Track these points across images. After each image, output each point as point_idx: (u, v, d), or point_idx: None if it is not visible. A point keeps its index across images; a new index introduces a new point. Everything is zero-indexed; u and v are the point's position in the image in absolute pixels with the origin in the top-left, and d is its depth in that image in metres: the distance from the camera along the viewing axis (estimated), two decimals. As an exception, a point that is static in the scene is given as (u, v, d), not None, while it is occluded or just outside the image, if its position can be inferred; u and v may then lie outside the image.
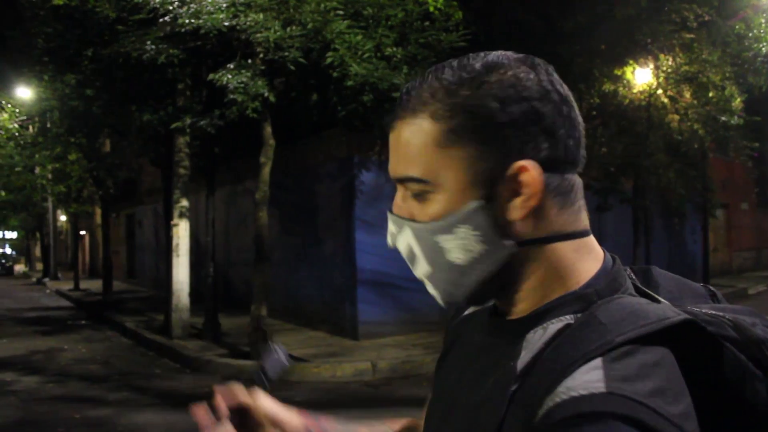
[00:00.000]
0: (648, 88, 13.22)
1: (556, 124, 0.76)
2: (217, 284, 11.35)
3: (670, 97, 13.61)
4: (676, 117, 13.82)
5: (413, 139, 0.78)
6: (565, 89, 0.79)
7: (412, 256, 0.82)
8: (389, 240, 0.85)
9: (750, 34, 13.40)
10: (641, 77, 13.04)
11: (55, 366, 9.56)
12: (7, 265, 43.73)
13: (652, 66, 13.04)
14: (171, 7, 7.95)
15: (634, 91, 13.21)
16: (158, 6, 7.99)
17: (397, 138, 0.81)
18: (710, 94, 13.46)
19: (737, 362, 0.72)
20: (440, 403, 0.89)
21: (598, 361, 0.66)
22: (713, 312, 0.78)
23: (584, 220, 0.83)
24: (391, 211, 0.84)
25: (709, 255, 17.95)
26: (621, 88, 13.00)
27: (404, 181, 0.80)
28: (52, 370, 9.26)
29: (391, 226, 0.84)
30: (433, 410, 0.91)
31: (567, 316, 0.75)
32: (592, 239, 0.83)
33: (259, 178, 8.76)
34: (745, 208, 23.88)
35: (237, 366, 8.76)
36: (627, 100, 13.14)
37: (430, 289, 0.84)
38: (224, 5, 7.79)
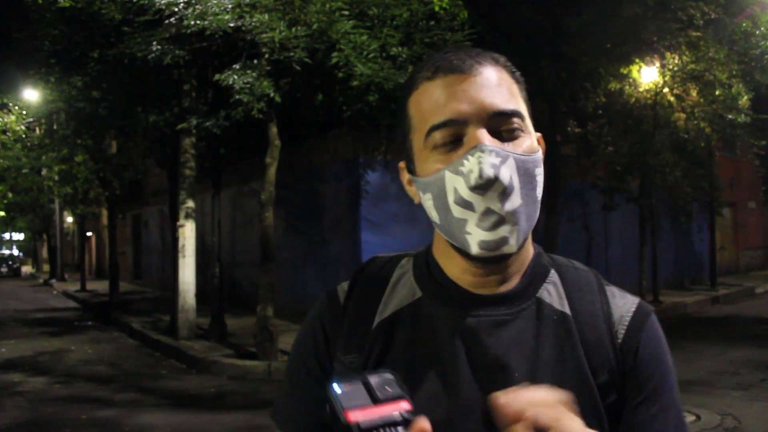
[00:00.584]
0: (654, 87, 13.18)
1: None
2: (223, 285, 11.36)
3: (677, 96, 13.57)
4: (683, 115, 13.78)
5: (506, 83, 0.88)
6: None
7: (511, 188, 0.83)
8: (490, 172, 0.82)
9: (757, 32, 13.37)
10: (647, 76, 13.00)
11: (62, 367, 9.58)
12: (14, 266, 43.85)
13: (658, 64, 13.00)
14: (176, 9, 7.95)
15: (641, 89, 13.17)
16: (164, 7, 8.00)
17: (486, 78, 0.86)
18: (717, 93, 13.42)
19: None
20: (455, 395, 0.87)
21: (613, 288, 0.97)
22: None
23: None
24: (486, 144, 0.83)
25: (716, 254, 17.87)
26: (627, 87, 12.97)
27: (512, 114, 0.86)
28: (59, 370, 9.28)
29: (493, 158, 0.82)
30: (452, 408, 0.87)
31: (552, 270, 0.96)
32: None
33: (264, 178, 8.76)
34: (752, 206, 23.77)
35: (243, 366, 8.76)
36: (633, 99, 13.11)
37: (506, 229, 0.84)
38: (229, 6, 7.79)
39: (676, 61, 13.18)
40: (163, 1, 7.97)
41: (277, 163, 8.80)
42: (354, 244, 10.93)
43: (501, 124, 0.85)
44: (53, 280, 29.48)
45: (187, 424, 6.50)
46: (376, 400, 0.73)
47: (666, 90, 13.43)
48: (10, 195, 26.60)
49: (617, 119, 13.33)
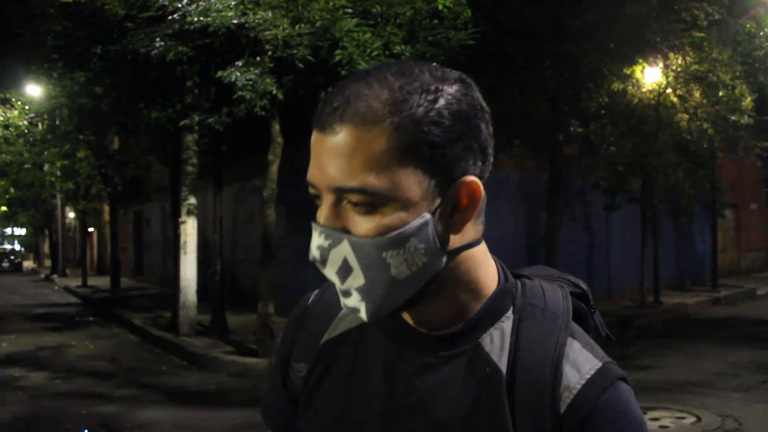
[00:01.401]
0: (657, 87, 13.16)
1: (488, 141, 0.81)
2: (224, 282, 11.37)
3: (680, 97, 13.55)
4: (686, 116, 13.76)
5: (367, 147, 0.74)
6: (488, 110, 0.83)
7: (347, 270, 0.77)
8: (316, 254, 0.78)
9: (761, 33, 13.35)
10: (650, 76, 12.98)
11: (63, 362, 9.60)
12: (16, 261, 43.89)
13: (661, 65, 12.98)
14: (180, 5, 7.95)
15: (643, 90, 13.15)
16: (167, 3, 8.00)
17: (338, 142, 0.75)
18: (720, 94, 13.40)
19: (581, 308, 0.91)
20: (359, 430, 0.86)
21: (576, 343, 0.82)
22: (552, 276, 0.95)
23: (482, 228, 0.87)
24: (318, 223, 0.78)
25: (718, 255, 17.87)
26: (630, 87, 12.94)
27: (354, 191, 0.75)
28: (60, 366, 9.30)
29: (321, 240, 0.77)
30: None
31: (508, 314, 0.84)
32: None
33: (266, 175, 8.76)
34: (754, 208, 23.75)
35: (244, 363, 8.77)
36: (636, 99, 13.09)
37: (355, 302, 0.79)
38: (233, 3, 7.78)
39: (680, 62, 13.16)
40: (166, -2, 7.98)
41: (279, 160, 8.80)
42: (355, 242, 10.93)
43: (346, 197, 0.76)
44: (54, 276, 29.51)
45: (187, 420, 6.51)
46: None
47: (669, 90, 13.41)
48: (12, 190, 26.60)
49: (620, 119, 13.32)
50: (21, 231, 59.94)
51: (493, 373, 0.81)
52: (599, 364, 0.80)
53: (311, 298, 0.99)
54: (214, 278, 11.18)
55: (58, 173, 20.88)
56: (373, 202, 0.75)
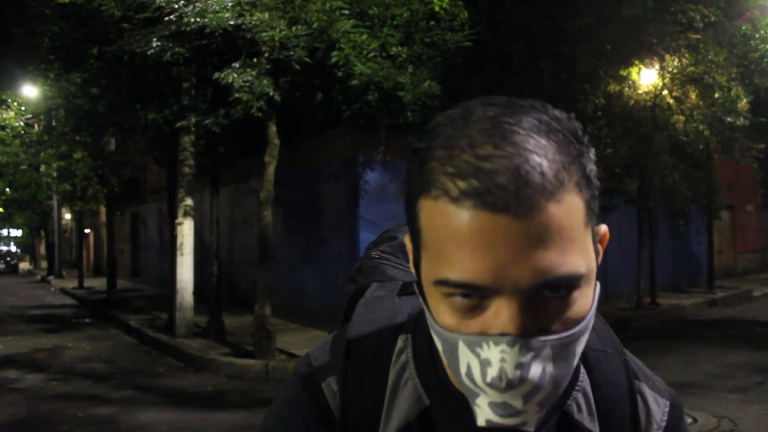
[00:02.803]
0: (653, 89, 13.18)
1: None
2: (221, 283, 11.35)
3: (676, 98, 13.57)
4: (682, 118, 13.78)
5: (568, 222, 0.59)
6: None
7: (541, 385, 0.61)
8: (514, 375, 0.60)
9: (756, 35, 13.38)
10: (647, 78, 13.00)
11: (59, 364, 9.57)
12: (12, 263, 43.84)
13: (657, 67, 13.00)
14: (176, 6, 7.95)
15: (640, 91, 13.17)
16: (164, 5, 8.00)
17: (540, 225, 0.58)
18: (716, 95, 13.42)
19: None
20: None
21: (644, 387, 0.81)
22: None
23: None
24: (508, 334, 0.60)
25: (714, 256, 17.88)
26: (626, 89, 12.96)
27: (564, 280, 0.59)
28: (56, 368, 9.27)
29: (522, 356, 0.60)
30: None
31: (581, 369, 0.77)
32: None
33: (263, 177, 8.75)
34: (750, 209, 23.79)
35: (241, 365, 8.75)
36: (632, 101, 13.11)
37: (524, 417, 0.62)
38: (230, 4, 7.79)
39: (676, 64, 13.18)
40: (163, -1, 7.98)
41: (275, 161, 8.80)
42: (352, 244, 10.92)
43: (547, 289, 0.60)
44: (51, 277, 29.45)
45: (184, 422, 6.50)
46: None
47: (665, 92, 13.43)
48: (8, 191, 26.60)
49: (616, 121, 13.33)
50: (17, 232, 59.82)
51: None
52: (668, 404, 0.81)
53: (328, 401, 0.78)
54: (210, 280, 11.16)
55: (55, 174, 20.85)
56: (580, 284, 0.61)
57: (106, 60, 9.65)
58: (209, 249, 11.56)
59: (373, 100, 8.30)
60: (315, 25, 7.84)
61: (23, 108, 19.60)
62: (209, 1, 7.78)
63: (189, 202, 11.01)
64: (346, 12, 7.99)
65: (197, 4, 7.81)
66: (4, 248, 57.77)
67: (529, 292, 0.59)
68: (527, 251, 0.57)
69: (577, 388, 0.74)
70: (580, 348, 0.63)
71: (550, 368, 0.61)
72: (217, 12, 7.69)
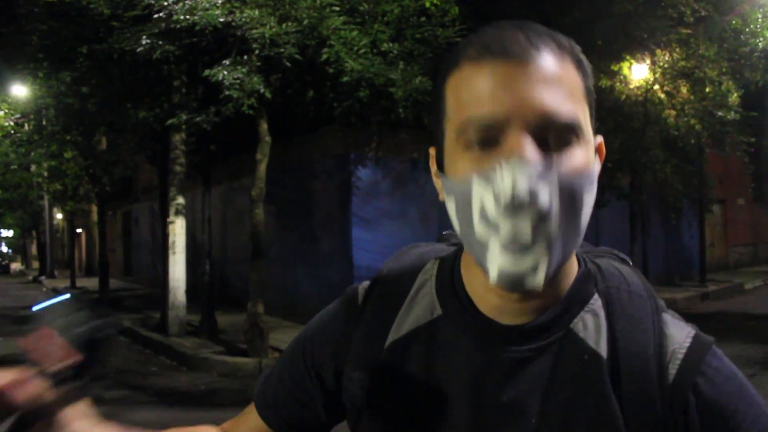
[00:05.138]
0: (645, 84, 13.21)
1: None
2: (213, 281, 11.33)
3: (667, 93, 13.61)
4: (673, 112, 13.83)
5: (567, 77, 0.72)
6: None
7: (548, 213, 0.68)
8: (525, 191, 0.67)
9: (747, 30, 13.41)
10: (638, 73, 13.03)
11: (52, 364, 9.52)
12: (4, 263, 43.59)
13: (648, 61, 13.04)
14: (166, 3, 7.90)
15: (631, 86, 13.20)
16: (153, 2, 7.95)
17: (542, 69, 0.70)
18: (707, 90, 13.47)
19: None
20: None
21: (669, 317, 0.80)
22: (611, 253, 0.92)
23: None
24: (520, 158, 0.68)
25: (706, 250, 17.97)
26: (618, 84, 12.99)
27: (564, 119, 0.70)
28: (49, 368, 9.22)
29: (532, 175, 0.67)
30: None
31: (595, 297, 0.80)
32: None
33: (255, 175, 8.73)
34: (741, 203, 23.92)
35: (233, 363, 8.74)
36: (624, 96, 13.14)
37: (532, 260, 0.70)
38: (219, 1, 7.75)
39: (667, 58, 13.22)
40: (152, -4, 7.93)
41: (267, 159, 8.78)
42: (345, 241, 10.91)
43: (550, 131, 0.70)
44: (43, 277, 29.33)
45: (177, 421, 6.44)
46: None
47: (656, 87, 13.47)
48: (-2, 191, 26.45)
49: (608, 116, 13.35)
50: (8, 233, 59.52)
51: (593, 360, 0.76)
52: (693, 332, 0.79)
53: (361, 293, 0.91)
54: (203, 278, 11.13)
55: (45, 174, 20.75)
56: (575, 136, 0.71)
57: (96, 58, 9.59)
58: (201, 247, 11.54)
59: (364, 97, 8.29)
60: (305, 22, 7.81)
61: (12, 108, 19.47)
62: (199, -1, 7.74)
63: (181, 200, 10.97)
64: (337, 9, 7.96)
65: (187, 2, 7.77)
66: (-4, 249, 57.57)
67: (537, 127, 0.69)
68: (535, 91, 0.69)
69: (586, 309, 0.79)
70: (583, 212, 0.72)
71: (556, 201, 0.69)
72: (207, 9, 7.65)
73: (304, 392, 0.92)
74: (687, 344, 0.77)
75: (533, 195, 0.67)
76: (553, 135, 0.70)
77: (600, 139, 0.78)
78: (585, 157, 0.72)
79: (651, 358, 0.75)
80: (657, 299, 0.81)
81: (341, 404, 0.90)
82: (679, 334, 0.78)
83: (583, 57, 0.76)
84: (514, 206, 0.67)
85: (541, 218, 0.68)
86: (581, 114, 0.72)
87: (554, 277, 0.74)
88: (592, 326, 0.78)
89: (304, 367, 0.92)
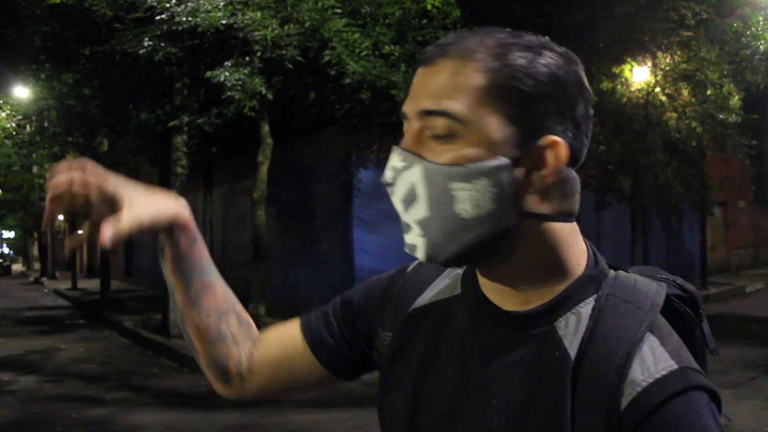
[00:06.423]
0: (646, 86, 13.22)
1: (583, 120, 0.81)
2: (215, 283, 11.31)
3: (668, 95, 13.61)
4: (674, 115, 13.83)
5: (460, 78, 0.76)
6: (593, 96, 0.83)
7: (412, 197, 0.78)
8: (388, 175, 0.79)
9: (748, 32, 13.42)
10: (639, 75, 13.04)
11: (53, 365, 9.54)
12: (5, 264, 43.57)
13: (650, 64, 13.04)
14: (168, 5, 7.93)
15: (632, 89, 13.21)
16: (155, 4, 7.98)
17: (435, 72, 0.78)
18: (708, 92, 13.47)
19: (687, 313, 0.86)
20: (431, 402, 0.85)
21: (654, 340, 0.75)
22: (658, 276, 0.93)
23: (577, 209, 0.86)
24: (401, 149, 0.79)
25: (707, 253, 17.95)
26: (619, 86, 13.00)
27: (436, 114, 0.76)
28: (50, 369, 9.24)
29: (397, 161, 0.78)
30: (416, 410, 0.86)
31: (590, 299, 0.80)
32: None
33: (256, 176, 8.74)
34: (742, 206, 23.89)
35: (235, 365, 8.73)
36: (625, 98, 13.14)
37: (414, 237, 0.79)
38: (221, 3, 7.77)
39: (668, 61, 13.22)
40: (154, -2, 7.96)
41: (269, 161, 8.79)
42: (346, 243, 10.92)
43: (429, 126, 0.77)
44: (44, 279, 29.34)
45: (178, 422, 6.49)
46: None
47: (658, 89, 13.47)
48: (0, 193, 26.46)
49: (609, 118, 13.36)
50: (10, 234, 59.56)
51: (561, 359, 0.76)
52: (675, 367, 0.72)
53: (410, 268, 1.00)
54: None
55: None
56: (453, 130, 0.75)
57: (98, 60, 9.62)
58: (203, 249, 11.54)
59: (366, 99, 8.30)
60: (307, 24, 7.83)
61: (14, 109, 19.50)
62: (201, 1, 7.76)
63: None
64: (339, 11, 7.98)
65: (189, 4, 7.79)
66: (-3, 250, 57.61)
67: (420, 119, 0.77)
68: (425, 88, 0.78)
69: (574, 310, 0.79)
70: (460, 203, 0.76)
71: (422, 190, 0.76)
72: (209, 11, 7.68)
73: (351, 324, 1.02)
74: (657, 375, 0.71)
75: (393, 178, 0.79)
76: (431, 128, 0.77)
77: (553, 138, 0.77)
78: (465, 151, 0.75)
79: (613, 368, 0.73)
80: (654, 318, 0.77)
81: (370, 359, 1.00)
82: (657, 362, 0.72)
83: (515, 61, 0.76)
84: (386, 185, 0.80)
85: (407, 200, 0.78)
86: (472, 113, 0.75)
87: (535, 272, 0.80)
88: (572, 327, 0.78)
89: (357, 307, 1.02)
